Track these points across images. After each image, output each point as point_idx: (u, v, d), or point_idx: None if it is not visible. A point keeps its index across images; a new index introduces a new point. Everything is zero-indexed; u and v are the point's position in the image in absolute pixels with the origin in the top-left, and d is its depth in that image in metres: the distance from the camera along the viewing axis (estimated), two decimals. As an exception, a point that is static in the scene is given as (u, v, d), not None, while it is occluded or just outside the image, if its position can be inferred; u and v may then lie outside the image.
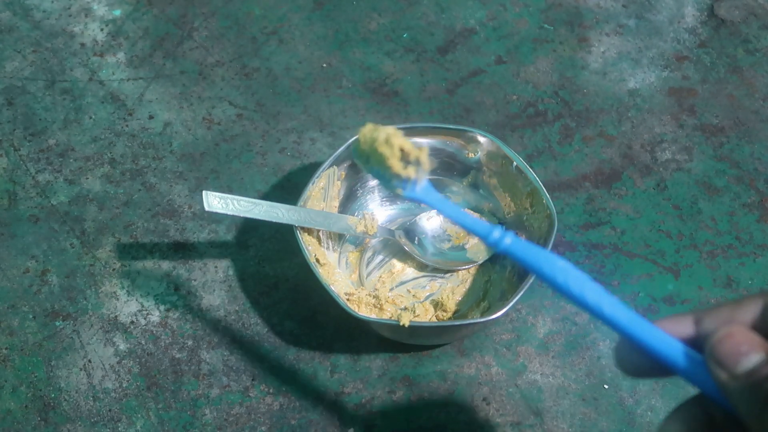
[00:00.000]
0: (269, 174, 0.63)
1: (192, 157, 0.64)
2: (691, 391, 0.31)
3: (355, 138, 0.42)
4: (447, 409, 0.51)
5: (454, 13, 0.74)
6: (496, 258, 0.57)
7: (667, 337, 0.30)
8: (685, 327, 0.30)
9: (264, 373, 0.53)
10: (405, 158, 0.38)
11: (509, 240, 0.33)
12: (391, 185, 0.39)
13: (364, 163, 0.40)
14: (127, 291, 0.57)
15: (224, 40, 0.72)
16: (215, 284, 0.57)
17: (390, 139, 0.38)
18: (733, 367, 0.28)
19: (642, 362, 0.31)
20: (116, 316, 0.56)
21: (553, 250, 0.56)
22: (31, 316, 0.56)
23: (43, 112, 0.67)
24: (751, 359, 0.28)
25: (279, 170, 0.63)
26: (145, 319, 0.55)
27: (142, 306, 0.56)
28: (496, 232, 0.34)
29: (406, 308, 0.54)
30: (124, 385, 0.52)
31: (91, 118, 0.67)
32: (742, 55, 0.70)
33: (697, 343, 0.30)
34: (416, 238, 0.58)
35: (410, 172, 0.38)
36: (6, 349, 0.54)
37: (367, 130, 0.39)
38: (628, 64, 0.70)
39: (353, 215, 0.58)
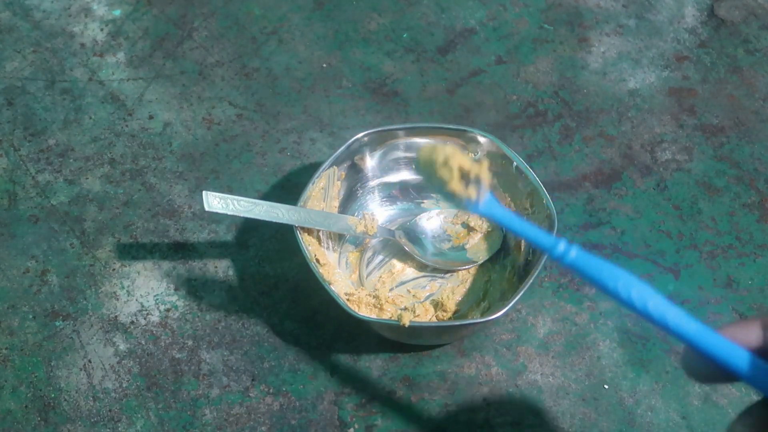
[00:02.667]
0: (269, 174, 0.63)
1: (192, 157, 0.64)
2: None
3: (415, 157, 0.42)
4: (447, 409, 0.51)
5: (454, 13, 0.74)
6: (496, 258, 0.57)
7: (732, 346, 0.30)
8: (753, 332, 0.31)
9: (264, 373, 0.53)
10: (465, 177, 0.38)
11: (574, 253, 0.34)
12: (455, 203, 0.39)
13: (426, 181, 0.40)
14: (127, 291, 0.57)
15: (224, 40, 0.72)
16: (215, 284, 0.57)
17: (448, 161, 0.38)
18: None
19: (709, 369, 0.31)
20: (116, 316, 0.56)
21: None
22: (31, 316, 0.56)
23: (43, 112, 0.67)
24: None
25: (279, 170, 0.63)
26: (145, 319, 0.55)
27: (142, 306, 0.56)
28: (561, 245, 0.34)
29: (406, 308, 0.54)
30: (124, 385, 0.52)
31: (91, 118, 0.67)
32: (742, 55, 0.70)
33: (766, 349, 0.30)
34: (416, 238, 0.58)
35: (471, 192, 0.38)
36: (6, 349, 0.54)
37: (426, 152, 0.39)
38: (628, 64, 0.70)
39: (353, 215, 0.58)
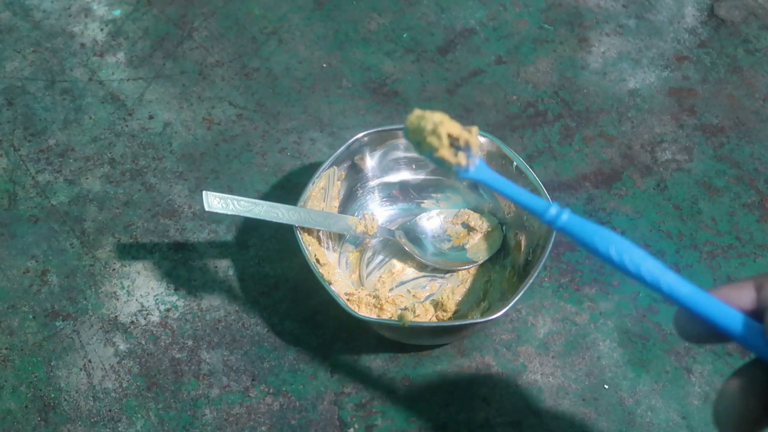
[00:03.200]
0: (269, 174, 0.63)
1: (192, 157, 0.64)
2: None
3: (402, 125, 0.41)
4: (447, 409, 0.51)
5: (454, 13, 0.74)
6: (496, 258, 0.57)
7: (726, 307, 0.30)
8: (746, 294, 0.31)
9: (264, 373, 0.53)
10: (455, 143, 0.37)
11: (566, 216, 0.34)
12: (445, 168, 0.38)
13: (415, 148, 0.39)
14: (127, 291, 0.57)
15: (224, 40, 0.72)
16: (215, 284, 0.57)
17: (437, 128, 0.37)
18: None
19: (701, 330, 0.31)
20: (116, 316, 0.56)
21: (552, 250, 0.56)
22: (31, 316, 0.56)
23: (43, 112, 0.67)
24: None
25: (279, 170, 0.63)
26: (145, 319, 0.55)
27: (142, 306, 0.56)
28: (553, 209, 0.34)
29: (406, 308, 0.54)
30: (124, 385, 0.52)
31: (91, 118, 0.67)
32: (742, 55, 0.70)
33: (759, 310, 0.30)
34: (416, 238, 0.58)
35: (461, 159, 0.37)
36: (6, 349, 0.54)
37: (414, 118, 0.38)
38: (628, 64, 0.70)
39: (353, 215, 0.58)
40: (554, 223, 0.34)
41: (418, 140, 0.38)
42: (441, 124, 0.37)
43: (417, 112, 0.38)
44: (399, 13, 0.74)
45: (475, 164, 0.38)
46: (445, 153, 0.37)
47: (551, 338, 0.54)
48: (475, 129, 0.37)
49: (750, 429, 0.31)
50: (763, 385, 0.30)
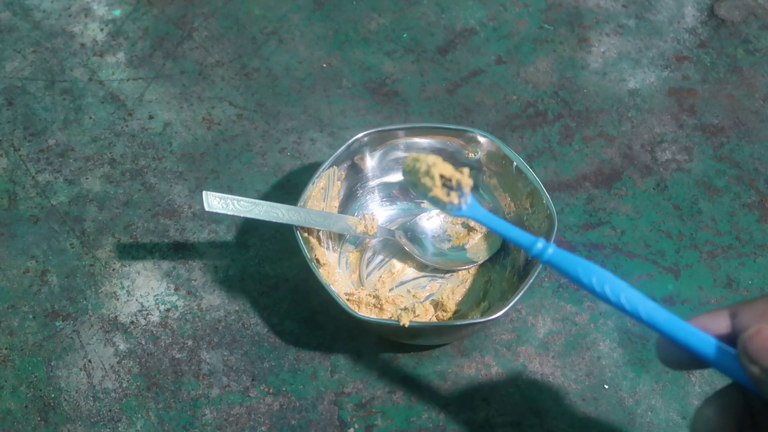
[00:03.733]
0: (269, 174, 0.63)
1: (192, 157, 0.64)
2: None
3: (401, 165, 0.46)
4: (447, 409, 0.51)
5: (454, 13, 0.74)
6: (496, 258, 0.57)
7: (701, 334, 0.32)
8: (721, 321, 0.32)
9: (264, 373, 0.53)
10: (447, 184, 0.40)
11: (551, 251, 0.36)
12: (439, 207, 0.41)
13: (412, 188, 0.42)
14: (127, 291, 0.57)
15: (224, 40, 0.72)
16: (215, 284, 0.57)
17: (430, 170, 0.40)
18: (764, 362, 0.30)
19: (680, 356, 0.33)
20: (116, 316, 0.56)
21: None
22: (31, 316, 0.56)
23: (43, 112, 0.67)
24: None
25: (279, 170, 0.63)
26: (145, 319, 0.55)
27: (142, 306, 0.56)
28: (540, 244, 0.37)
29: (406, 308, 0.54)
30: (124, 385, 0.52)
31: (91, 118, 0.67)
32: (742, 55, 0.70)
33: (733, 337, 0.32)
34: (416, 238, 0.58)
35: (453, 198, 0.40)
36: (6, 349, 0.54)
37: (410, 160, 0.41)
38: (628, 64, 0.70)
39: (353, 215, 0.58)
40: (540, 257, 0.37)
41: (414, 181, 0.41)
42: (434, 165, 0.40)
43: (413, 155, 0.41)
44: (399, 13, 0.74)
45: (467, 203, 0.40)
46: (438, 193, 0.40)
47: (551, 338, 0.54)
48: (466, 170, 0.40)
49: None
50: (738, 408, 0.32)
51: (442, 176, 0.40)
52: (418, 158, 0.41)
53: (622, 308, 0.34)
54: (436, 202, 0.40)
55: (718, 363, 0.32)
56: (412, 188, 0.41)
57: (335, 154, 0.55)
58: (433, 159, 0.40)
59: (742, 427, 0.32)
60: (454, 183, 0.40)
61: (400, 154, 0.58)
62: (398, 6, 0.75)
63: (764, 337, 0.30)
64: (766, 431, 0.32)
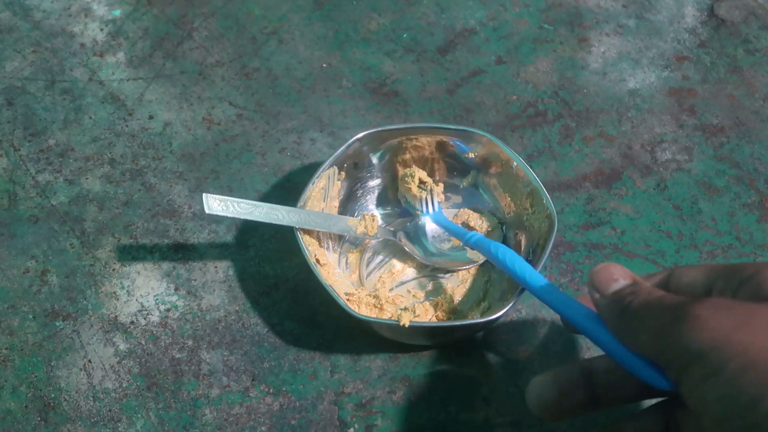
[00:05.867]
0: (269, 174, 0.63)
1: (192, 157, 0.64)
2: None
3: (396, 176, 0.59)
4: (447, 409, 0.51)
5: (454, 13, 0.74)
6: (496, 258, 0.57)
7: (573, 302, 0.40)
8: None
9: (264, 373, 0.53)
10: (422, 187, 0.57)
11: (474, 238, 0.52)
12: (415, 209, 0.57)
13: (401, 195, 0.58)
14: (127, 291, 0.57)
15: (224, 40, 0.72)
16: (215, 284, 0.57)
17: (414, 173, 0.57)
18: (605, 290, 0.37)
19: (552, 398, 0.40)
20: (116, 316, 0.56)
21: (552, 250, 0.56)
22: (31, 316, 0.56)
23: (43, 112, 0.67)
24: (619, 283, 0.37)
25: (279, 170, 0.63)
26: (145, 319, 0.55)
27: (142, 306, 0.56)
28: (468, 236, 0.53)
29: (406, 308, 0.54)
30: (124, 385, 0.52)
31: (91, 118, 0.67)
32: (742, 55, 0.70)
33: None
34: (416, 239, 0.58)
35: (422, 194, 0.56)
36: (6, 349, 0.54)
37: (402, 174, 0.58)
38: (628, 64, 0.70)
39: (353, 216, 0.58)
40: (468, 243, 0.53)
41: (404, 191, 0.57)
42: (417, 170, 0.57)
43: (408, 170, 0.58)
44: (399, 13, 0.74)
45: (435, 210, 0.58)
46: (413, 187, 0.57)
47: (551, 338, 0.54)
48: (440, 185, 0.58)
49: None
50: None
51: (420, 180, 0.56)
52: (407, 171, 0.57)
53: (513, 273, 0.45)
54: (412, 205, 0.57)
55: (583, 325, 0.39)
56: (401, 195, 0.54)
57: (335, 154, 0.55)
58: (419, 171, 0.57)
59: None
60: (428, 186, 0.56)
61: (400, 154, 0.58)
62: (398, 6, 0.75)
63: (609, 270, 0.37)
64: None
